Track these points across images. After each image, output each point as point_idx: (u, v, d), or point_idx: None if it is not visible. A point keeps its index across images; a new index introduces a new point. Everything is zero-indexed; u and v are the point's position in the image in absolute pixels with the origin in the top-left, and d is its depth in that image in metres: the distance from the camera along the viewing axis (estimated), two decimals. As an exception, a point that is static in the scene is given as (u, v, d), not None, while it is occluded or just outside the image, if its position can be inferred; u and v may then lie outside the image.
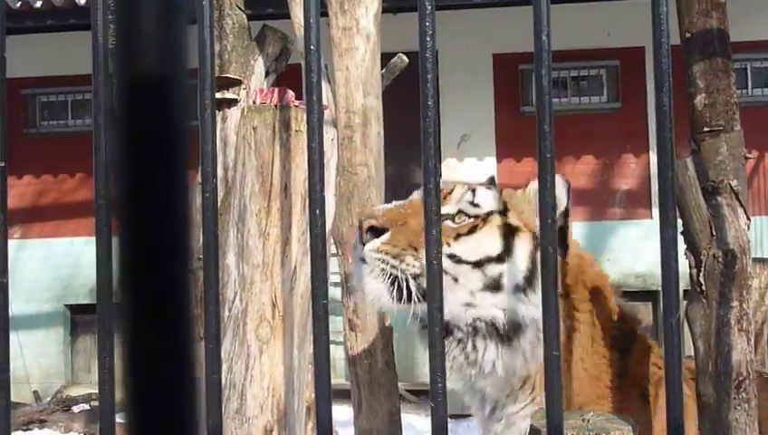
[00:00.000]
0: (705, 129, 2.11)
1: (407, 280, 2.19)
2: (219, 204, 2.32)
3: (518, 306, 2.26)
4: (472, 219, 2.35)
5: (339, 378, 6.30)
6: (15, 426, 7.94)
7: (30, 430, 7.95)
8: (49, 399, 9.01)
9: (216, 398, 1.82)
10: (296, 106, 2.13)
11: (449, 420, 1.62)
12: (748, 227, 2.08)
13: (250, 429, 2.15)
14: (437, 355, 1.58)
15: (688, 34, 2.11)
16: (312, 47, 1.70)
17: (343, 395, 3.80)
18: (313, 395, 1.76)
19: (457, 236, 2.31)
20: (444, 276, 1.95)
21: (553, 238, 1.56)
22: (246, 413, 2.15)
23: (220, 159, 2.51)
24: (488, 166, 10.80)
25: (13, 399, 8.67)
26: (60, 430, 7.98)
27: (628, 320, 2.38)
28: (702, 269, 2.03)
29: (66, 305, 10.90)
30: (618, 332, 2.31)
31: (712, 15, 2.09)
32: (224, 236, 2.20)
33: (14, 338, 10.33)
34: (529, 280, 2.29)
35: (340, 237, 3.02)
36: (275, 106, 2.15)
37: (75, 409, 8.53)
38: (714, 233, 2.02)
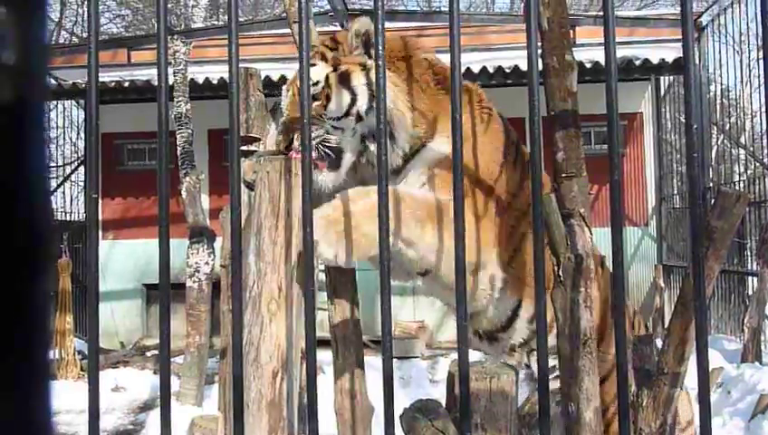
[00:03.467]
0: (563, 174, 2.11)
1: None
2: (244, 221, 2.29)
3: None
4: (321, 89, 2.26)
5: (324, 332, 6.22)
6: (107, 365, 7.78)
7: (117, 368, 7.80)
8: (130, 347, 8.84)
9: (239, 352, 1.79)
10: (296, 158, 2.11)
11: (395, 359, 1.60)
12: (591, 239, 2.08)
13: (263, 372, 2.11)
14: (387, 311, 1.56)
15: (552, 113, 2.12)
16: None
17: (326, 345, 3.77)
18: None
19: (325, 106, 2.25)
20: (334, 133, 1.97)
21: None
22: (260, 361, 2.11)
23: (245, 189, 2.46)
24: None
25: (106, 346, 8.50)
26: (137, 369, 7.84)
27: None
28: (561, 267, 2.02)
29: (144, 284, 10.75)
30: None
31: (567, 101, 2.10)
32: (246, 242, 2.17)
33: (108, 306, 10.16)
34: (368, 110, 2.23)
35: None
36: (282, 157, 2.13)
37: (148, 354, 8.38)
38: (569, 243, 2.02)
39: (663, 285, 9.44)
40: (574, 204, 2.07)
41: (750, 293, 8.00)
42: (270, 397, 2.12)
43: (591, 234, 2.08)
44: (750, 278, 8.50)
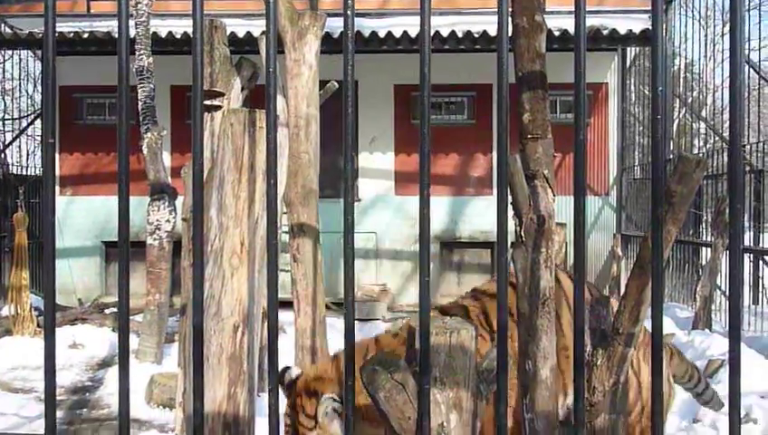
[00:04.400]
0: (529, 136, 2.11)
1: None
2: (206, 175, 2.26)
3: None
4: None
5: (286, 294, 6.22)
6: (65, 322, 7.67)
7: (75, 325, 7.70)
8: (89, 304, 8.72)
9: (200, 304, 1.78)
10: (260, 110, 2.07)
11: (357, 321, 1.61)
12: (554, 201, 2.10)
13: (224, 325, 2.10)
14: (350, 278, 1.56)
15: (520, 74, 2.12)
16: (271, 72, 1.66)
17: (288, 306, 3.78)
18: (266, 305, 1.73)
19: None
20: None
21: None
22: (221, 315, 2.10)
23: (208, 145, 2.43)
24: (388, 158, 10.78)
25: (63, 303, 8.39)
26: (96, 326, 7.75)
27: None
28: (523, 227, 2.04)
29: (102, 242, 10.58)
30: None
31: (536, 62, 2.10)
32: (208, 196, 2.14)
33: (66, 263, 9.98)
34: None
35: (289, 200, 2.98)
36: (246, 110, 2.09)
37: (107, 311, 8.28)
38: (531, 204, 2.04)
39: (621, 253, 9.64)
40: (538, 165, 2.09)
41: (703, 263, 8.23)
42: (230, 351, 2.11)
43: (555, 195, 2.10)
44: (704, 249, 8.73)
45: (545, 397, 2.08)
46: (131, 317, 7.89)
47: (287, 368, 2.80)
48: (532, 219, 2.03)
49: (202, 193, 1.79)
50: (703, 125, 12.81)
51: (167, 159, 9.61)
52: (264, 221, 1.99)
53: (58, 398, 1.52)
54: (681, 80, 12.77)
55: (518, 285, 2.08)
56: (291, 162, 2.89)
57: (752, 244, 8.39)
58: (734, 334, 1.55)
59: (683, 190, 1.95)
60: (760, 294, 8.49)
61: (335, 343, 3.75)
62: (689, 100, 13.86)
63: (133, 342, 6.89)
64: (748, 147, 8.95)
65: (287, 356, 3.51)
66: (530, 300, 2.07)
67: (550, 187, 2.07)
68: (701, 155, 9.72)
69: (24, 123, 11.54)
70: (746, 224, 8.46)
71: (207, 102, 3.36)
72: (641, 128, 11.23)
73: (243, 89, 4.36)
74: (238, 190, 2.07)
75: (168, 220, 6.45)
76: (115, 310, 8.34)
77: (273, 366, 1.66)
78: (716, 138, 10.47)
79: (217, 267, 2.10)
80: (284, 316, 6.97)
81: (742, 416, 2.86)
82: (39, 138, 14.13)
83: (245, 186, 2.07)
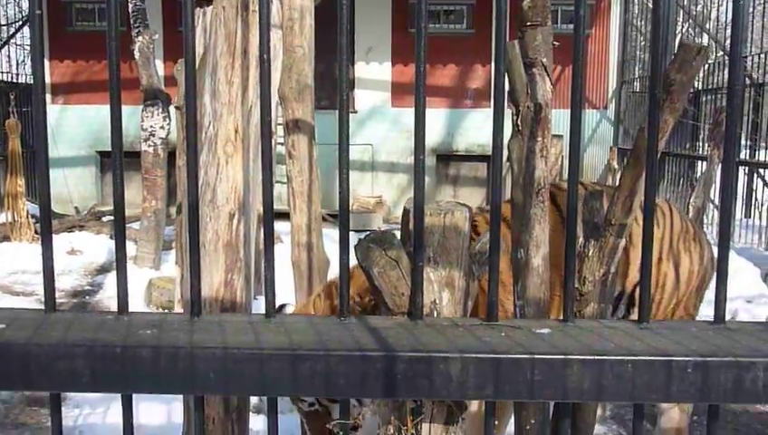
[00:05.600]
0: (528, 23, 2.07)
1: None
2: (198, 61, 2.21)
3: None
4: None
5: (283, 205, 6.22)
6: (62, 229, 7.72)
7: (72, 232, 7.75)
8: (85, 212, 8.75)
9: (194, 188, 1.77)
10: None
11: (353, 232, 1.62)
12: (551, 91, 2.08)
13: (219, 213, 2.11)
14: (345, 188, 1.54)
15: (521, -42, 2.05)
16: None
17: (284, 217, 3.77)
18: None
19: None
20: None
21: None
22: (217, 203, 2.11)
23: (200, 41, 2.36)
24: (385, 69, 10.60)
25: (60, 212, 8.40)
26: (93, 233, 7.80)
27: None
28: (519, 116, 2.03)
29: (97, 151, 10.51)
30: None
31: (538, -56, 2.03)
32: (201, 83, 2.10)
33: (61, 173, 9.94)
34: None
35: (283, 95, 2.94)
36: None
37: (104, 219, 8.32)
38: (528, 92, 2.02)
39: (617, 166, 9.65)
40: (537, 53, 2.05)
41: (699, 178, 8.24)
42: (227, 238, 2.13)
43: (553, 85, 2.07)
44: (700, 163, 8.73)
45: (536, 284, 2.12)
46: (128, 225, 7.94)
47: (283, 305, 2.86)
48: (529, 108, 2.01)
49: (195, 78, 1.75)
50: (706, 39, 12.56)
51: (159, 67, 9.42)
52: (259, 110, 1.97)
53: (58, 301, 1.54)
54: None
55: (512, 173, 2.08)
56: (285, 56, 2.84)
57: (747, 157, 8.39)
58: (724, 240, 1.56)
59: (682, 78, 1.92)
60: (753, 208, 8.57)
61: (332, 254, 3.75)
62: (693, 13, 13.51)
63: (131, 248, 6.95)
64: (750, 60, 8.81)
65: (283, 267, 3.54)
66: (524, 189, 2.08)
67: (548, 75, 2.04)
68: (702, 73, 9.57)
69: (12, 31, 11.25)
70: (743, 138, 8.44)
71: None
72: (643, 42, 11.01)
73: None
74: (231, 76, 2.04)
75: (162, 127, 6.39)
76: (112, 217, 8.37)
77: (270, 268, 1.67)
78: (720, 54, 10.29)
79: (212, 155, 2.09)
80: (280, 226, 7.03)
81: (727, 320, 2.94)
82: (28, 47, 13.83)
83: (239, 72, 2.04)
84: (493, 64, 10.50)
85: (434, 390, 1.38)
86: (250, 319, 1.63)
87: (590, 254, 2.22)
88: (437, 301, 1.62)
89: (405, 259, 1.56)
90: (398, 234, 1.95)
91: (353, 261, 1.64)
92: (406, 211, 1.68)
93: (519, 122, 2.03)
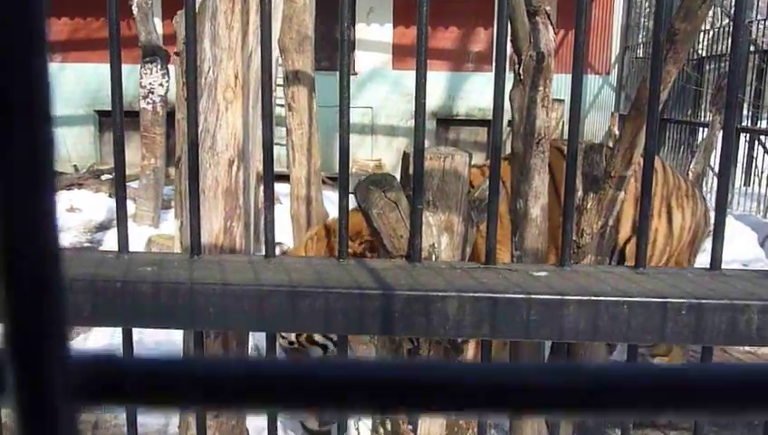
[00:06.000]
0: (533, -30, 2.04)
1: None
2: (198, 7, 2.19)
3: None
4: None
5: (282, 167, 6.14)
6: (61, 187, 7.71)
7: (71, 190, 7.74)
8: (84, 171, 8.73)
9: (194, 134, 1.77)
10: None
11: (351, 194, 1.61)
12: (555, 40, 2.06)
13: (219, 159, 2.11)
14: (345, 150, 1.53)
15: None
16: None
17: (284, 179, 3.74)
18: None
19: None
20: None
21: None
22: (216, 149, 2.10)
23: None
24: (386, 30, 10.50)
25: (59, 170, 8.37)
26: (92, 191, 7.79)
27: None
28: (522, 65, 2.01)
29: (95, 111, 10.45)
30: None
31: None
32: (201, 27, 2.08)
33: (59, 131, 9.91)
34: None
35: (283, 46, 2.91)
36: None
37: (103, 178, 8.30)
38: (531, 41, 2.00)
39: (618, 132, 9.60)
40: (540, 1, 2.02)
41: (699, 142, 8.21)
42: (226, 185, 2.13)
43: (556, 33, 2.06)
44: (701, 130, 8.70)
45: (534, 235, 2.12)
46: (127, 184, 7.92)
47: (277, 243, 2.90)
48: (532, 57, 1.99)
49: (195, 27, 1.74)
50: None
51: (158, 25, 9.32)
52: (259, 57, 1.95)
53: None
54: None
55: (513, 123, 2.08)
56: (285, 6, 2.80)
57: (749, 124, 8.36)
58: (721, 201, 1.56)
59: (687, 28, 1.90)
60: (752, 175, 8.55)
61: (330, 210, 3.76)
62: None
63: (130, 207, 6.96)
64: (754, 26, 8.72)
65: (283, 222, 3.54)
66: (524, 139, 2.07)
67: (551, 23, 2.02)
68: (706, 41, 9.47)
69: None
70: (746, 105, 8.39)
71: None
72: (648, 9, 10.87)
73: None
74: (231, 21, 2.02)
75: (161, 84, 6.35)
76: (111, 176, 8.37)
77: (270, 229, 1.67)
78: (725, 21, 10.17)
79: (211, 100, 2.08)
80: (280, 188, 7.03)
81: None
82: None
83: (239, 16, 2.02)
84: (494, 28, 10.39)
85: (431, 328, 1.40)
86: (250, 259, 1.64)
87: (589, 206, 2.23)
88: (436, 245, 1.62)
89: (404, 201, 1.56)
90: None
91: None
92: (406, 155, 1.68)
93: (521, 72, 2.02)
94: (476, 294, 1.38)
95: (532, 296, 1.38)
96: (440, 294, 1.38)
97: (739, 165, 8.44)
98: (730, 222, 5.57)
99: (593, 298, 1.38)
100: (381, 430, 1.73)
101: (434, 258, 1.62)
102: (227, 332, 2.20)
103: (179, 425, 2.34)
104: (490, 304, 1.38)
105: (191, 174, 1.49)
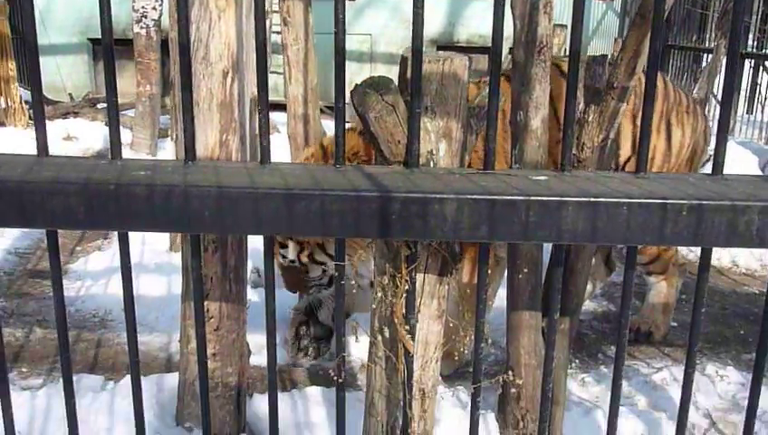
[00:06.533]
0: None
1: None
2: None
3: None
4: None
5: (279, 96, 6.06)
6: (56, 115, 7.62)
7: (67, 118, 7.65)
8: (80, 99, 8.61)
9: (185, 38, 1.71)
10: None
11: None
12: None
13: (213, 70, 2.06)
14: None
15: None
16: None
17: (281, 108, 3.67)
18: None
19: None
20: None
21: None
22: (210, 60, 2.05)
23: None
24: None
25: (53, 97, 8.23)
26: (88, 120, 7.70)
27: None
28: (524, -31, 1.94)
29: (89, 39, 10.23)
30: None
31: None
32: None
33: (53, 60, 9.70)
34: None
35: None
36: None
37: (99, 106, 8.19)
38: (534, -57, 1.92)
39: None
40: None
41: (703, 67, 8.07)
42: (221, 97, 2.08)
43: (559, -64, 1.97)
44: (705, 56, 8.53)
45: (534, 147, 2.10)
46: (123, 112, 7.83)
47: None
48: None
49: None
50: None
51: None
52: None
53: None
54: None
55: (515, 31, 2.02)
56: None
57: (754, 49, 8.20)
58: (726, 99, 1.51)
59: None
60: (755, 103, 8.44)
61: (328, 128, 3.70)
62: None
63: (127, 135, 6.88)
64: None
65: (280, 148, 3.50)
66: (526, 48, 2.02)
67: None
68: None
69: None
70: (752, 30, 8.21)
71: None
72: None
73: None
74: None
75: (154, 8, 6.18)
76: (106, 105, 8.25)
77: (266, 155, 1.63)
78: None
79: (203, 9, 2.02)
80: (277, 117, 6.91)
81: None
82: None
83: None
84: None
85: (428, 230, 1.38)
86: (245, 165, 1.61)
87: (590, 119, 2.19)
88: (434, 151, 1.60)
89: (402, 105, 1.52)
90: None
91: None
92: (404, 58, 1.63)
93: (522, -26, 1.95)
94: (475, 196, 1.36)
95: (531, 198, 1.36)
96: (438, 196, 1.36)
97: (742, 92, 8.31)
98: (731, 146, 5.52)
99: (593, 199, 1.37)
100: (379, 338, 1.74)
101: (432, 165, 1.60)
102: (225, 245, 2.20)
103: (180, 339, 2.37)
104: (488, 206, 1.36)
105: (183, 79, 1.44)
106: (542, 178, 1.50)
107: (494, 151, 1.51)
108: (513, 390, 2.23)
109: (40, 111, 1.47)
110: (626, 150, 3.05)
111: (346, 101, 1.47)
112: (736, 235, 1.38)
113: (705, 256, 1.47)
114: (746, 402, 1.61)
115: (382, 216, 1.37)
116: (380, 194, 1.36)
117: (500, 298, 2.73)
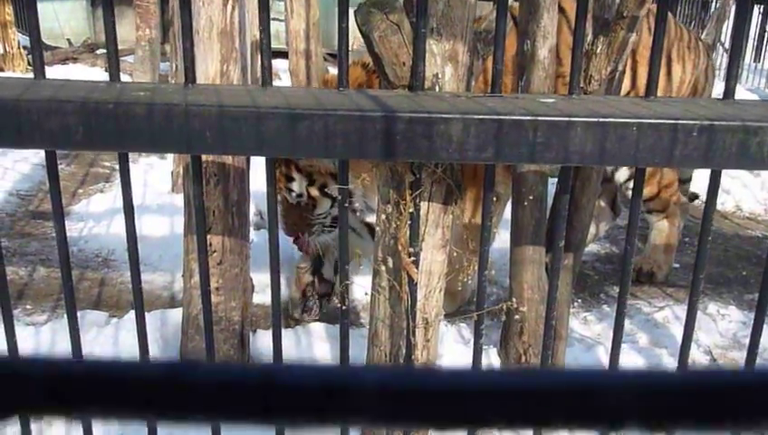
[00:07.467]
0: None
1: None
2: None
3: None
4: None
5: (281, 44, 5.89)
6: (55, 62, 7.51)
7: (66, 64, 7.55)
8: (79, 45, 8.48)
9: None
10: None
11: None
12: None
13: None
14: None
15: None
16: None
17: (284, 55, 3.59)
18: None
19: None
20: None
21: None
22: (209, -14, 1.99)
23: None
24: None
25: (51, 44, 8.09)
26: (87, 66, 7.60)
27: None
28: None
29: (84, -13, 10.04)
30: None
31: None
32: None
33: (50, 6, 9.53)
34: None
35: None
36: None
37: (98, 52, 8.08)
38: None
39: None
40: None
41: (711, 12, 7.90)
42: (221, 26, 2.03)
43: None
44: (714, 3, 8.35)
45: (541, 78, 2.05)
46: (123, 58, 7.70)
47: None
48: None
49: None
50: None
51: None
52: None
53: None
54: None
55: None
56: None
57: (765, -5, 8.01)
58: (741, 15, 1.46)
59: None
60: (763, 51, 8.30)
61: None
62: None
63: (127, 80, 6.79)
64: None
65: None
66: (534, -25, 1.96)
67: None
68: None
69: None
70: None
71: None
72: None
73: None
74: None
75: (152, -51, 6.03)
76: (105, 50, 8.13)
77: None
78: None
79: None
80: (279, 64, 6.81)
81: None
82: None
83: None
84: None
85: (433, 151, 1.36)
86: (246, 87, 1.58)
87: (599, 51, 2.13)
88: (440, 75, 1.56)
89: (407, 25, 1.48)
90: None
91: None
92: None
93: None
94: (481, 116, 1.33)
95: (539, 118, 1.33)
96: (444, 116, 1.33)
97: (750, 39, 8.16)
98: (739, 90, 5.44)
99: (601, 120, 1.34)
100: (383, 267, 1.73)
101: (437, 89, 1.56)
102: (228, 178, 2.17)
103: (183, 273, 2.36)
104: (495, 126, 1.33)
105: (182, 1, 1.40)
106: (551, 100, 1.46)
107: (502, 74, 1.47)
108: (515, 323, 2.23)
109: (36, 37, 1.43)
110: (625, 85, 2.99)
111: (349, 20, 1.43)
112: (748, 156, 1.35)
113: (714, 178, 1.44)
114: (747, 340, 1.61)
115: (386, 136, 1.34)
116: (385, 114, 1.33)
117: (501, 240, 2.71)
